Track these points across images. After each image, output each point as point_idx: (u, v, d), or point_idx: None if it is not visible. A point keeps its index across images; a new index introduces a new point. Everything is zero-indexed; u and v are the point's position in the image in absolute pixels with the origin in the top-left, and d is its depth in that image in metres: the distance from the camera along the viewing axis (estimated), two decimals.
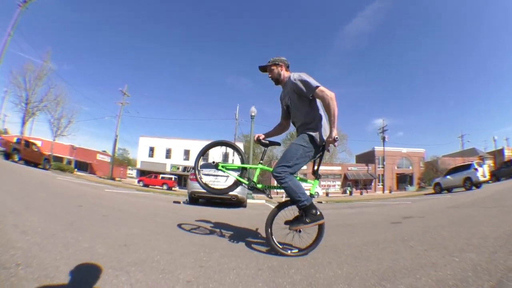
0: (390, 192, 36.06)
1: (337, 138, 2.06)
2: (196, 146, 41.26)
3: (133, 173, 58.14)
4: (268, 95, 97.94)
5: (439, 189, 14.85)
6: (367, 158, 45.38)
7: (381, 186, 40.69)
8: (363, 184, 41.82)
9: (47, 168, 17.31)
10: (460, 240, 2.34)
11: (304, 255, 2.08)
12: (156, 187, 28.95)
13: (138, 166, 40.40)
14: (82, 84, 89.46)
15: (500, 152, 40.66)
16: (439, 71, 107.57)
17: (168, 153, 41.43)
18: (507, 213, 3.89)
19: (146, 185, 29.00)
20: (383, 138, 39.74)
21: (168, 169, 39.90)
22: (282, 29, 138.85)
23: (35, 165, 16.14)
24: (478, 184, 12.73)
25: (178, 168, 40.46)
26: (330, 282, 1.51)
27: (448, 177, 14.61)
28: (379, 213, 5.96)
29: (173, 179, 31.87)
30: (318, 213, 2.11)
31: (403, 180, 41.86)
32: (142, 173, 39.38)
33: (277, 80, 2.43)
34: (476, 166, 13.20)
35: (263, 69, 2.48)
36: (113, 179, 30.54)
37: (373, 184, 41.94)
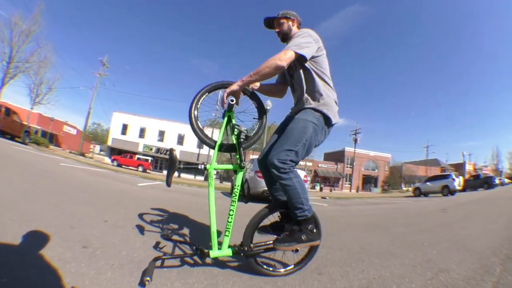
0: (357, 191, 38.89)
1: (232, 98, 1.74)
2: (172, 128, 39.62)
3: (96, 149, 53.75)
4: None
5: (419, 193, 16.66)
6: (336, 157, 47.98)
7: (349, 185, 43.64)
8: (332, 181, 44.35)
9: (26, 142, 14.67)
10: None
11: (287, 274, 1.67)
12: (130, 167, 27.30)
13: (109, 143, 37.43)
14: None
15: (462, 165, 46.43)
16: (407, 81, 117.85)
17: (142, 132, 39.11)
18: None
19: (119, 165, 27.18)
20: (355, 140, 42.31)
21: (140, 149, 37.83)
22: (250, 19, 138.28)
23: (12, 137, 13.67)
24: (453, 192, 14.60)
25: (151, 149, 38.55)
26: None
27: (428, 183, 16.49)
28: (417, 206, 7.38)
29: (149, 161, 30.31)
30: (315, 230, 1.65)
31: (368, 181, 45.42)
32: (112, 150, 36.70)
33: (286, 35, 1.92)
34: (454, 177, 15.06)
35: (269, 23, 1.99)
36: (83, 155, 28.13)
37: (340, 182, 44.71)
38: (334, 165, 45.52)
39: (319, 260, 1.94)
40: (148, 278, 1.21)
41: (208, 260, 1.70)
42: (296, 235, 1.57)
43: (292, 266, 1.71)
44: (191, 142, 39.32)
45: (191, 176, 34.56)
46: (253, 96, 2.06)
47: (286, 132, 1.65)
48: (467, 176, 29.15)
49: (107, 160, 34.24)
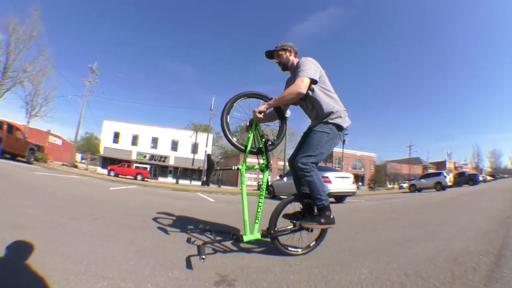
0: None
1: (261, 112, 2.06)
2: (165, 134, 39.42)
3: (78, 159, 51.37)
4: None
5: (414, 188, 18.60)
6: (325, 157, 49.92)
7: None
8: None
9: (31, 161, 13.25)
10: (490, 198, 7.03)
11: (304, 254, 2.05)
12: (127, 177, 26.30)
13: (102, 152, 36.43)
14: None
15: (443, 163, 50.48)
16: (384, 81, 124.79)
17: (134, 140, 38.50)
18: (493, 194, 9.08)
19: (116, 175, 26.29)
20: (343, 141, 44.58)
21: (134, 157, 37.25)
22: (225, 19, 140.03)
23: (13, 156, 12.03)
24: (444, 188, 16.53)
25: (145, 157, 38.06)
26: None
27: (422, 180, 18.55)
28: (428, 198, 8.80)
29: (148, 169, 30.05)
30: (332, 216, 2.04)
31: (355, 179, 47.87)
32: (104, 160, 35.80)
33: (285, 66, 2.31)
34: (445, 174, 17.13)
35: (270, 55, 2.35)
36: (75, 166, 27.06)
37: None
38: (324, 165, 47.44)
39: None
40: (204, 257, 1.58)
41: (242, 245, 2.15)
42: (317, 218, 2.01)
43: (308, 247, 2.11)
44: (185, 148, 39.40)
45: (186, 181, 34.56)
46: (276, 108, 2.34)
47: (306, 141, 2.11)
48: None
49: (100, 170, 33.32)
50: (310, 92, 2.09)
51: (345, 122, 2.14)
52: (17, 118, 26.81)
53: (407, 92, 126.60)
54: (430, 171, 28.09)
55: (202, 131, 39.44)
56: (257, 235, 1.97)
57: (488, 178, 32.07)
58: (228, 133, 2.18)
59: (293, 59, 2.30)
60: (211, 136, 37.73)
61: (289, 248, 2.06)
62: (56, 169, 13.61)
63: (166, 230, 2.74)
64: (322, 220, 1.99)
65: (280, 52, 2.29)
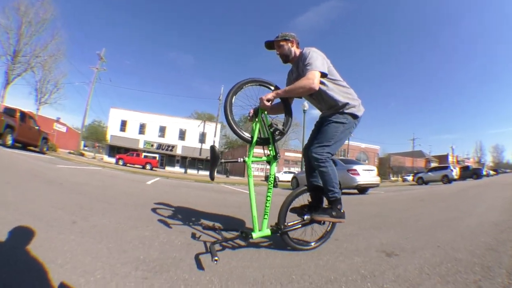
0: None
1: (269, 100, 1.92)
2: (173, 123, 39.68)
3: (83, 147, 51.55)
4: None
5: (422, 181, 19.07)
6: None
7: None
8: None
9: (45, 151, 12.38)
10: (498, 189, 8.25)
11: (315, 248, 1.98)
12: (136, 166, 26.38)
13: (109, 141, 36.80)
14: None
15: (445, 157, 50.94)
16: (386, 73, 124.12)
17: (141, 128, 38.74)
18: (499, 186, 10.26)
19: (125, 164, 26.24)
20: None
21: (141, 146, 37.61)
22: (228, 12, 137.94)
23: (24, 146, 11.12)
24: (451, 181, 17.04)
25: (152, 145, 38.46)
26: None
27: (429, 173, 19.06)
28: (442, 190, 9.41)
29: (157, 158, 30.42)
30: (343, 210, 1.97)
31: None
32: (111, 148, 36.24)
33: (287, 57, 2.15)
34: (452, 168, 17.61)
35: (270, 45, 2.19)
36: (81, 154, 27.13)
37: None
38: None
39: None
40: (216, 258, 1.44)
41: (251, 241, 1.94)
42: (328, 211, 1.92)
43: (319, 242, 2.03)
44: (192, 137, 39.71)
45: (194, 171, 35.11)
46: (283, 100, 2.22)
47: (322, 131, 1.99)
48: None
49: (107, 158, 33.68)
50: (321, 86, 1.95)
51: (360, 110, 2.06)
52: (25, 105, 25.80)
53: (410, 85, 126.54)
54: (433, 164, 28.63)
55: (207, 120, 39.62)
56: (266, 232, 1.86)
57: (491, 172, 32.83)
58: (233, 123, 1.98)
59: (295, 50, 2.15)
60: (219, 126, 37.98)
61: (299, 244, 1.98)
62: (70, 159, 13.41)
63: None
64: (334, 213, 1.91)
65: (281, 43, 2.13)
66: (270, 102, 1.94)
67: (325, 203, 2.06)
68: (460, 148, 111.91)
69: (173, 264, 1.53)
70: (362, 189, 8.88)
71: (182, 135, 40.02)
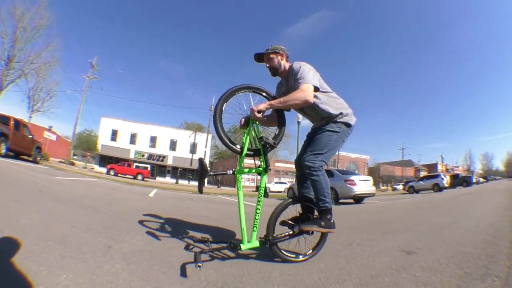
0: None
1: (260, 111, 1.88)
2: (164, 133, 39.38)
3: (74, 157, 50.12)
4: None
5: (413, 190, 19.51)
6: None
7: None
8: None
9: (38, 160, 12.10)
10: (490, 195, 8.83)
11: (305, 261, 1.91)
12: (127, 176, 25.54)
13: (99, 150, 36.02)
14: None
15: (434, 166, 52.23)
16: (375, 83, 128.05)
17: (132, 138, 38.22)
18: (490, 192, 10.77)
19: (116, 174, 25.67)
20: None
21: (132, 156, 36.98)
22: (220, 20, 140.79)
23: (16, 155, 10.71)
24: (442, 189, 17.51)
25: (143, 156, 37.88)
26: None
27: (420, 182, 19.59)
28: (435, 198, 9.80)
29: (148, 168, 29.88)
30: (332, 220, 1.92)
31: None
32: (102, 158, 35.45)
33: (276, 70, 2.13)
34: (442, 176, 18.14)
35: (259, 58, 2.16)
36: (72, 163, 26.42)
37: None
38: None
39: None
40: (200, 264, 1.43)
41: (240, 252, 1.93)
42: (317, 221, 1.89)
43: (309, 253, 1.96)
44: (183, 148, 39.44)
45: (185, 182, 34.69)
46: (277, 111, 2.20)
47: (315, 139, 1.99)
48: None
49: (97, 168, 32.97)
50: (314, 99, 1.95)
51: (352, 119, 2.08)
52: (17, 113, 24.99)
53: (399, 95, 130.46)
54: (423, 173, 29.42)
55: (196, 130, 39.49)
56: (255, 243, 1.82)
57: (481, 180, 33.97)
58: (222, 133, 1.94)
59: (284, 63, 2.14)
60: (210, 137, 38.00)
61: (289, 255, 1.91)
62: (63, 169, 12.93)
63: None
64: (323, 223, 1.86)
65: (271, 55, 2.11)
66: (262, 113, 1.91)
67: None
68: (449, 157, 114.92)
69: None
70: (359, 199, 9.10)
71: (173, 145, 39.67)
